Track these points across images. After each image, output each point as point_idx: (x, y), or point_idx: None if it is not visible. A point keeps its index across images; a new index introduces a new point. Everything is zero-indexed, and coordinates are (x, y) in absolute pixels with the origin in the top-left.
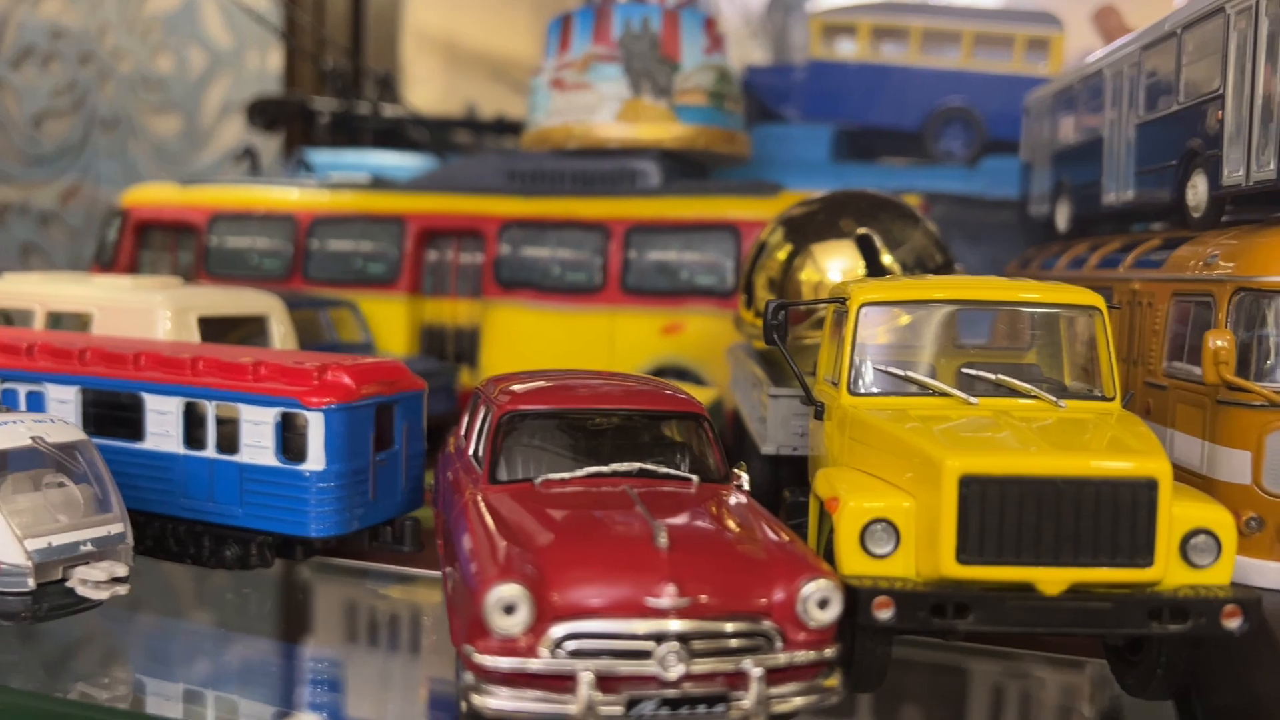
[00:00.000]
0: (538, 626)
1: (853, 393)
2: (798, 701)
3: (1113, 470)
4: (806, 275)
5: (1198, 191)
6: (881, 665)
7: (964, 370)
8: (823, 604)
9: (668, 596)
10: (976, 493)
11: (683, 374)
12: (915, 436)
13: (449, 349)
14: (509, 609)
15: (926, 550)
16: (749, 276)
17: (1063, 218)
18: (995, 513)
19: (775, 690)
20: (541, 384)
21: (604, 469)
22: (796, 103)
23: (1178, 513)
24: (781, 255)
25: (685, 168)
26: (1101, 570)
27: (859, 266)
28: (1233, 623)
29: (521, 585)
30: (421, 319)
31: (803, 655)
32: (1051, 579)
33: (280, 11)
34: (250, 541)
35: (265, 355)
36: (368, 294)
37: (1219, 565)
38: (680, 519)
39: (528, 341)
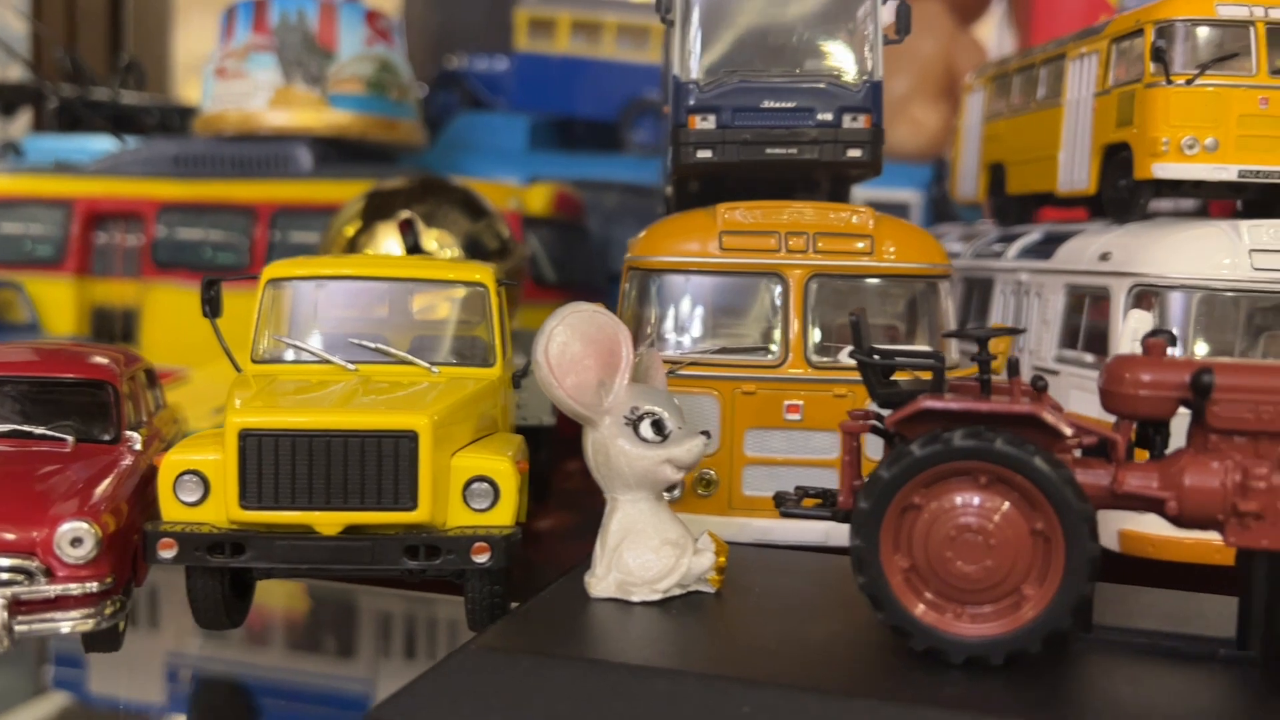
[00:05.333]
0: None
1: (254, 360)
2: (56, 628)
3: (377, 424)
4: (371, 251)
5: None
6: (214, 604)
7: (350, 340)
8: (75, 543)
9: None
10: (254, 445)
11: None
12: (234, 397)
13: (117, 330)
14: None
15: (227, 498)
16: (324, 251)
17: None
18: (271, 463)
19: (31, 617)
20: None
21: None
22: (506, 93)
23: (461, 463)
24: (350, 231)
25: (357, 155)
26: (371, 513)
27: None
28: (482, 557)
29: None
30: (92, 300)
31: (72, 588)
32: (327, 521)
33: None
34: None
35: None
36: (37, 275)
37: (498, 509)
38: None
39: (181, 322)
